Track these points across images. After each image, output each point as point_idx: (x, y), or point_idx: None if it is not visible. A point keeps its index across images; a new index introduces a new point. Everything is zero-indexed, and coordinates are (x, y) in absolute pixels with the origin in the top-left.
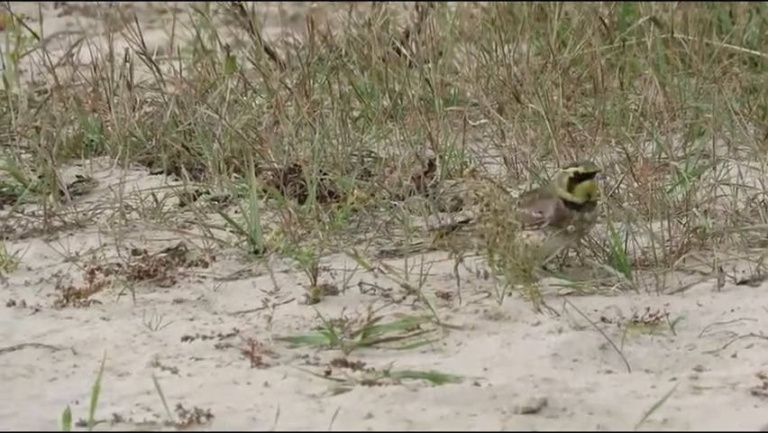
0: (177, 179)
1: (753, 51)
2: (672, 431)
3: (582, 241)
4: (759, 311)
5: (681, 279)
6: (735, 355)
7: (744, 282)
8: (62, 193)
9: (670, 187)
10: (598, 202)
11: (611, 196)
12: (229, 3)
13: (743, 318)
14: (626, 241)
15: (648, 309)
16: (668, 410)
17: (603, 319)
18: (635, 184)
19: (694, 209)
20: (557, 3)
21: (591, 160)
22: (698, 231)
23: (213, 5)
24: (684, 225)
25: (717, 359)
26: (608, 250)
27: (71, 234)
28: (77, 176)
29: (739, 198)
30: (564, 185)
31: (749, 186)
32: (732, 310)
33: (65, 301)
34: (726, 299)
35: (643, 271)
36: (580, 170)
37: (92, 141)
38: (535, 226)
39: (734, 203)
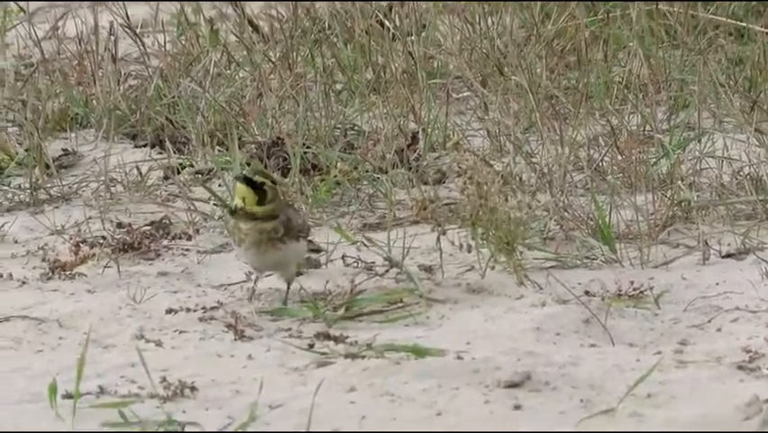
0: (161, 153)
1: (739, 23)
2: (656, 405)
3: (566, 214)
4: (744, 285)
5: (665, 252)
6: (720, 329)
7: (729, 256)
8: (48, 166)
9: (654, 159)
10: (272, 215)
11: (595, 169)
12: None
13: (728, 292)
14: (610, 214)
15: (632, 283)
16: (652, 385)
17: (587, 293)
18: (620, 157)
19: (679, 182)
20: None
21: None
22: (682, 204)
23: None
24: (669, 199)
25: (701, 333)
26: (591, 223)
27: (57, 207)
28: (63, 149)
29: (724, 170)
30: None
31: (734, 158)
32: (717, 284)
33: (51, 274)
34: (711, 272)
35: (627, 244)
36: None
37: (77, 114)
38: None
39: (719, 176)
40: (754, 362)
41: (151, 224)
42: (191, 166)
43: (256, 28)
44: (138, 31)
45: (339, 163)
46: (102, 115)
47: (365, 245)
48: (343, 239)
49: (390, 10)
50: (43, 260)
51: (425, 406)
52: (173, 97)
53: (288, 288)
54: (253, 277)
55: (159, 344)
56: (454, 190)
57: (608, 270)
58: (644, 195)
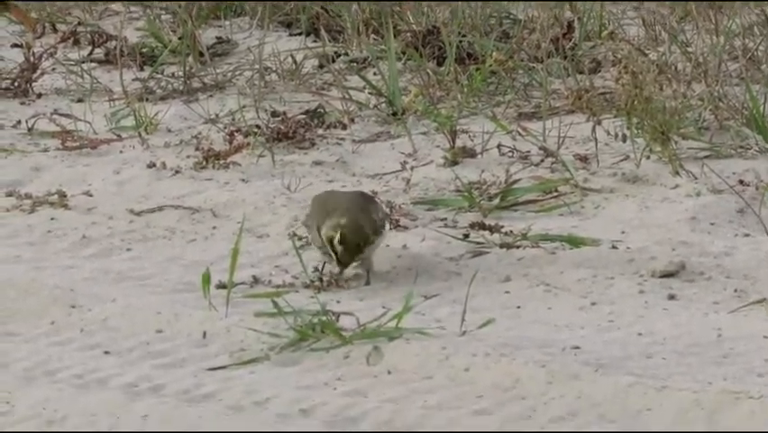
0: (316, 41)
1: None
2: None
3: (720, 104)
4: None
5: None
6: None
7: None
8: (202, 54)
9: None
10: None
11: (750, 58)
12: None
13: None
14: (764, 103)
15: None
16: None
17: (741, 182)
18: None
19: None
20: None
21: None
22: None
23: None
24: None
25: None
26: (746, 112)
27: (211, 96)
28: (217, 37)
29: None
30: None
31: None
32: None
33: (204, 163)
34: None
35: None
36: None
37: (231, 2)
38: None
39: None
40: None
41: (306, 112)
42: (346, 54)
43: None
44: None
45: (494, 52)
46: (256, 2)
47: (520, 135)
48: (499, 128)
49: None
50: (197, 149)
51: (579, 296)
52: None
53: (369, 274)
54: (408, 167)
55: None
56: (609, 80)
57: (763, 159)
58: None
